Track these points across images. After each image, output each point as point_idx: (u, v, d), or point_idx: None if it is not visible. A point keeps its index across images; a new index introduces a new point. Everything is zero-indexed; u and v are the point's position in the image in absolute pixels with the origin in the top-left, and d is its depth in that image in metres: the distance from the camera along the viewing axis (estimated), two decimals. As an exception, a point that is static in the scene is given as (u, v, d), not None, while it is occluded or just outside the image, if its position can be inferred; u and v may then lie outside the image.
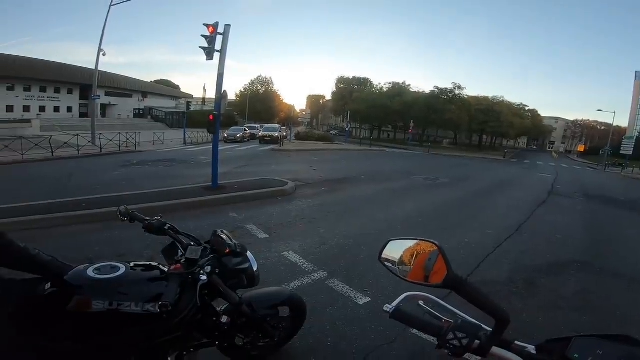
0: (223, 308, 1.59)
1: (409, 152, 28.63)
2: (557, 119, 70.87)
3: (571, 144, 67.18)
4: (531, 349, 0.77)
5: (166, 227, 1.57)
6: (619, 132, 45.33)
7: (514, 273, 3.68)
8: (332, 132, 49.89)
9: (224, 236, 1.60)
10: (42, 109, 33.88)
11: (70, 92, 36.89)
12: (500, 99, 45.39)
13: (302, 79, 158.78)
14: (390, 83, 48.89)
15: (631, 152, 29.36)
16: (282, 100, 58.96)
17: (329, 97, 66.88)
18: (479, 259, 3.97)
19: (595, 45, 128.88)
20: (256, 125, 31.48)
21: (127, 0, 16.22)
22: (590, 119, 66.70)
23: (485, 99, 44.87)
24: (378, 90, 50.43)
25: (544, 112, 61.81)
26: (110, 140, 15.35)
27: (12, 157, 10.92)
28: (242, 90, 55.02)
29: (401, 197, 7.55)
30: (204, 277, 1.39)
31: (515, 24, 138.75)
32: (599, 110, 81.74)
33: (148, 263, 1.42)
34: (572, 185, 13.05)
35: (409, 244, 0.88)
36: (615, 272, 3.95)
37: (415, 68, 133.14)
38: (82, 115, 35.62)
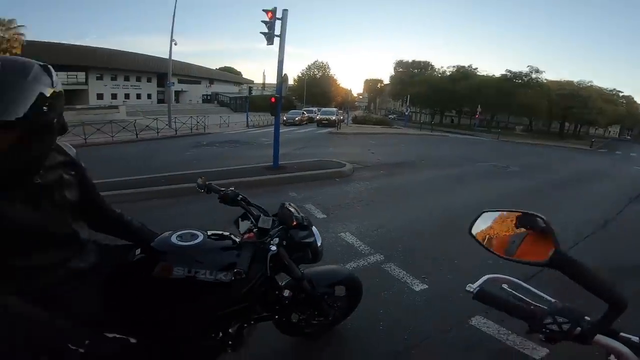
0: (284, 282, 1.61)
1: (475, 138, 26.49)
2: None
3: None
4: (636, 339, 0.68)
5: (239, 198, 1.60)
6: None
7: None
8: (390, 116, 48.97)
9: (291, 208, 1.60)
10: (126, 96, 38.09)
11: (149, 80, 40.93)
12: (588, 84, 39.68)
13: (360, 64, 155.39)
14: (454, 66, 46.18)
15: None
16: (338, 85, 59.09)
17: (386, 81, 65.20)
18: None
19: None
20: (314, 109, 31.91)
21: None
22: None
23: (569, 83, 39.70)
24: (440, 74, 48.06)
25: (641, 99, 52.11)
26: (184, 124, 16.88)
27: (103, 138, 12.57)
28: (300, 75, 56.16)
29: (465, 184, 7.08)
30: (273, 248, 1.42)
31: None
32: None
33: (221, 232, 1.45)
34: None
35: (507, 216, 0.78)
36: None
37: (482, 51, 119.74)
38: (159, 101, 39.57)
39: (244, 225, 1.54)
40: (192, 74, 45.00)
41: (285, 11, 7.03)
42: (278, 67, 7.10)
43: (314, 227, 1.68)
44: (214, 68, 55.87)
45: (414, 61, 54.98)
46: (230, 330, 1.50)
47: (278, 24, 6.96)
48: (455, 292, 2.54)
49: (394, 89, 55.76)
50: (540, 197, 6.55)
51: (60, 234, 1.08)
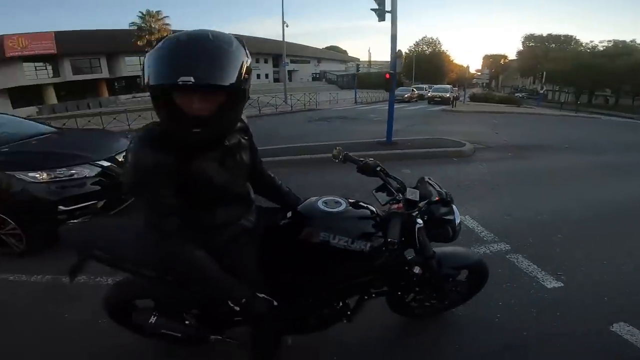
0: (410, 259, 1.54)
1: (638, 122, 20.63)
2: None
3: None
4: None
5: (378, 169, 1.57)
6: None
7: None
8: (517, 94, 43.01)
9: (432, 183, 1.52)
10: (249, 76, 42.99)
11: (265, 61, 44.63)
12: None
13: (477, 39, 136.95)
14: (609, 41, 39.61)
15: None
16: (451, 61, 55.29)
17: (511, 57, 60.24)
18: None
19: None
20: (424, 86, 30.11)
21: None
22: None
23: None
24: (589, 49, 41.79)
25: None
26: (298, 100, 18.21)
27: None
28: (407, 51, 53.64)
29: (623, 177, 5.55)
30: (420, 221, 1.37)
31: None
32: None
33: (361, 202, 1.43)
34: None
35: None
36: None
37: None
38: (274, 80, 43.02)
39: (381, 197, 1.50)
40: (301, 54, 47.30)
41: (396, -15, 6.67)
42: (391, 42, 6.88)
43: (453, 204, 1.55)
44: (321, 48, 57.72)
45: (549, 35, 49.58)
46: (347, 301, 1.51)
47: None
48: (599, 296, 2.25)
49: (523, 65, 51.40)
50: None
51: (238, 193, 1.19)
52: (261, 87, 31.36)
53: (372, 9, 6.86)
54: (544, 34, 51.05)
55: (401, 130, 8.72)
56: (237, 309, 1.09)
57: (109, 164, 3.06)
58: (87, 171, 2.88)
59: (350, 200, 1.40)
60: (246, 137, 1.23)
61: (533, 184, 4.89)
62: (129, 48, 29.16)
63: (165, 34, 29.93)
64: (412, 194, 1.38)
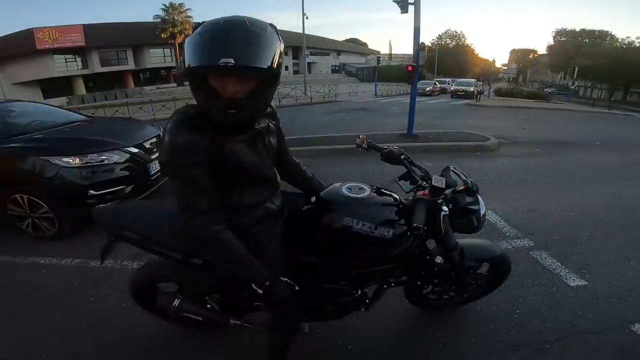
0: (432, 249, 1.51)
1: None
2: None
3: None
4: None
5: (402, 157, 1.55)
6: None
7: None
8: (546, 89, 41.58)
9: (458, 171, 1.48)
10: (268, 68, 43.11)
11: (285, 53, 43.66)
12: None
13: (504, 33, 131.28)
14: None
15: None
16: (476, 55, 54.00)
17: (541, 51, 58.38)
18: None
19: None
20: (447, 80, 29.32)
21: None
22: None
23: None
24: (626, 44, 39.94)
25: None
26: (318, 92, 18.11)
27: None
28: (430, 44, 52.12)
29: None
30: (445, 209, 1.34)
31: None
32: None
33: (384, 189, 1.42)
34: None
35: None
36: None
37: None
38: (294, 72, 42.90)
39: (405, 185, 1.49)
40: (321, 46, 46.85)
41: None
42: (414, 34, 6.73)
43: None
44: (341, 40, 57.02)
45: (583, 30, 47.23)
46: (365, 289, 1.50)
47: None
48: (624, 296, 2.19)
49: (554, 60, 49.62)
50: None
51: (266, 176, 1.21)
52: (281, 79, 31.25)
53: (394, 0, 6.73)
54: (577, 29, 49.15)
55: (422, 123, 8.56)
56: (260, 292, 1.11)
57: (137, 150, 3.16)
58: (117, 157, 2.98)
59: (374, 187, 1.40)
60: (274, 122, 1.27)
61: (560, 181, 4.70)
62: (153, 40, 29.86)
63: (187, 26, 30.45)
64: (439, 181, 1.35)
